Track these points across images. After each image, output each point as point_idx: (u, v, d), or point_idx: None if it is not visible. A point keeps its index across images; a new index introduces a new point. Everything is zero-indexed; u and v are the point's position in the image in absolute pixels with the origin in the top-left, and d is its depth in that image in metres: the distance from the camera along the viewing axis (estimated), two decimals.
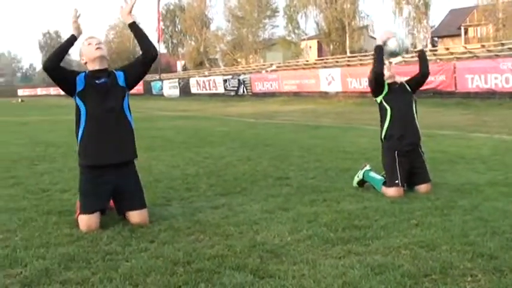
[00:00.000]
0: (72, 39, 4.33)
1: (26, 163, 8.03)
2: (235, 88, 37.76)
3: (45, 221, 4.43)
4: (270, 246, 3.59)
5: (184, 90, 44.38)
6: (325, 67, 33.40)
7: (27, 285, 3.04)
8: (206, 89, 41.31)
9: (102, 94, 4.27)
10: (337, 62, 35.77)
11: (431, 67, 6.89)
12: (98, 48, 4.38)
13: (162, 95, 47.52)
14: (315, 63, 39.23)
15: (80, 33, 4.35)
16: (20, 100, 61.05)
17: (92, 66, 4.39)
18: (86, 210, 4.18)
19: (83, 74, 4.35)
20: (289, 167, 7.00)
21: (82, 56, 4.46)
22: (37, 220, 4.46)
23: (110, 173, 4.30)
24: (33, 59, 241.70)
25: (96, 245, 3.70)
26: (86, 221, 4.13)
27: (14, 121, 20.12)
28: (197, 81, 43.41)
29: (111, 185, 4.31)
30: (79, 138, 4.34)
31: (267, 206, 4.77)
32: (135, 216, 4.27)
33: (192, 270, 3.18)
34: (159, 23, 61.45)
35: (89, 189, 4.30)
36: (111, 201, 4.45)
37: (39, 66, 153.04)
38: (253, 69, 44.96)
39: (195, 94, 42.07)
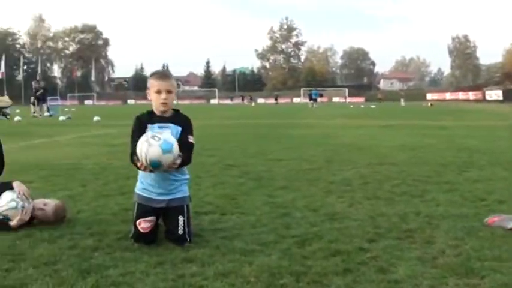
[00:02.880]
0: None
1: (453, 168, 8.02)
2: None
3: (492, 232, 4.28)
4: None
5: None
6: None
7: None
8: None
9: None
10: None
11: None
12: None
13: None
14: None
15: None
16: (429, 104, 62.73)
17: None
18: None
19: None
20: None
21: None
22: (482, 231, 4.34)
23: None
24: (442, 64, 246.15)
25: None
26: None
27: (430, 125, 20.63)
28: None
29: None
30: None
31: None
32: None
33: None
34: None
35: None
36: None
37: (447, 70, 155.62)
38: None
39: None
